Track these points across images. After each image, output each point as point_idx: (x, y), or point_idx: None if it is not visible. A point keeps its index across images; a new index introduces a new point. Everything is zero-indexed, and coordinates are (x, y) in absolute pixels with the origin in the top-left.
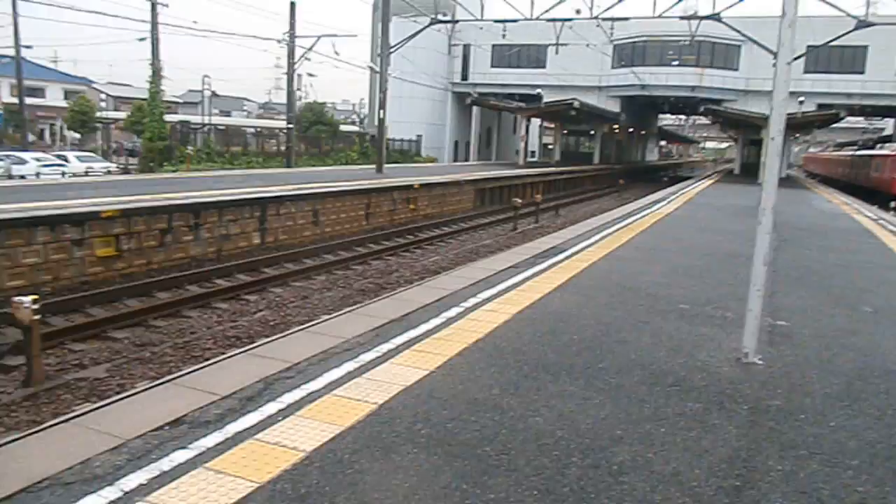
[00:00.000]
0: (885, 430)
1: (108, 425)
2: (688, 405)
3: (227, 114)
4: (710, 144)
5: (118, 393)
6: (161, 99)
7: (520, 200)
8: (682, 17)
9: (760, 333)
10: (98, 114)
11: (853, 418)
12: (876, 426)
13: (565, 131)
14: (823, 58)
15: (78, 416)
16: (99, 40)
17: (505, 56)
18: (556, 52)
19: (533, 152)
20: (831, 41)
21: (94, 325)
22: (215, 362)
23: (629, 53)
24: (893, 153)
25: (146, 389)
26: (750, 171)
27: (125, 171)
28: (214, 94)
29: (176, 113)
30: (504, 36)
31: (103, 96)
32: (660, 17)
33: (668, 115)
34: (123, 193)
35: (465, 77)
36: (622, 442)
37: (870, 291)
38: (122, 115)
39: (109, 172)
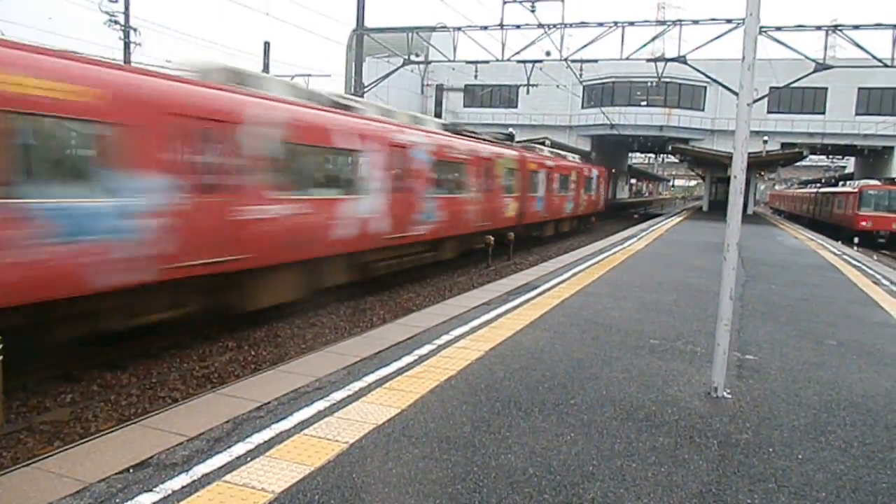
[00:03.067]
0: (850, 461)
1: (70, 469)
2: (659, 440)
3: None
4: (679, 182)
5: (82, 436)
6: None
7: (492, 238)
8: (648, 60)
9: (729, 368)
10: None
11: (820, 451)
12: (842, 458)
13: None
14: (786, 99)
15: (39, 459)
16: None
17: (477, 96)
18: (528, 93)
19: None
20: (792, 83)
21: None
22: (183, 403)
23: (598, 94)
24: (855, 191)
25: (111, 431)
26: (718, 208)
27: None
28: None
29: None
30: (476, 76)
31: None
32: (627, 59)
33: (638, 154)
34: None
35: (438, 116)
36: (594, 478)
37: (834, 325)
38: None
39: None
